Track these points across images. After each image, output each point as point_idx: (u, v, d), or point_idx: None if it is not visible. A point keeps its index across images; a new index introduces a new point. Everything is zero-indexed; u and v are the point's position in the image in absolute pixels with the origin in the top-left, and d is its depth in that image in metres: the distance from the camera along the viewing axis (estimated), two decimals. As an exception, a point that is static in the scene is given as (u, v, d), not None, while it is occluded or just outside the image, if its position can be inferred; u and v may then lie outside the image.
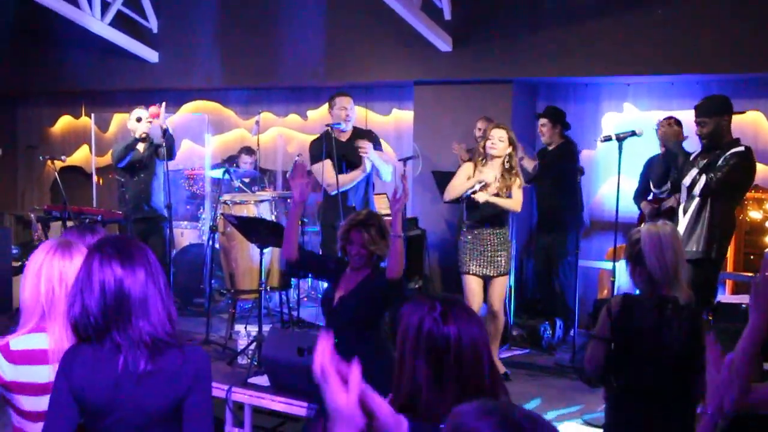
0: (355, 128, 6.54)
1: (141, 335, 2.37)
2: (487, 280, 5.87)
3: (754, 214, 8.62)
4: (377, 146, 6.44)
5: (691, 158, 5.56)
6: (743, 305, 5.80)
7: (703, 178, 5.25)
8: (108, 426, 2.43)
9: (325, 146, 6.25)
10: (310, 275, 5.99)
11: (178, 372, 2.40)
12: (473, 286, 5.87)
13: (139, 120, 7.27)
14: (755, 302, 2.33)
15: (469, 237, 5.89)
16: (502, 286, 5.92)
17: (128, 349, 2.37)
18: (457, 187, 5.88)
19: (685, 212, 5.43)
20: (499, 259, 5.82)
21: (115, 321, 2.38)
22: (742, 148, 5.32)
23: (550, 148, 7.25)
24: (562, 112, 7.33)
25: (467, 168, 5.93)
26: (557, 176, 7.01)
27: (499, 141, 5.77)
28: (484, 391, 2.05)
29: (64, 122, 11.49)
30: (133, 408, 2.39)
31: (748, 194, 7.85)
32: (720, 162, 5.28)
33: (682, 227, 5.37)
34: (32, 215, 7.83)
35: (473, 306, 5.82)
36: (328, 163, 6.29)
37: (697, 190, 5.30)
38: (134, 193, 7.40)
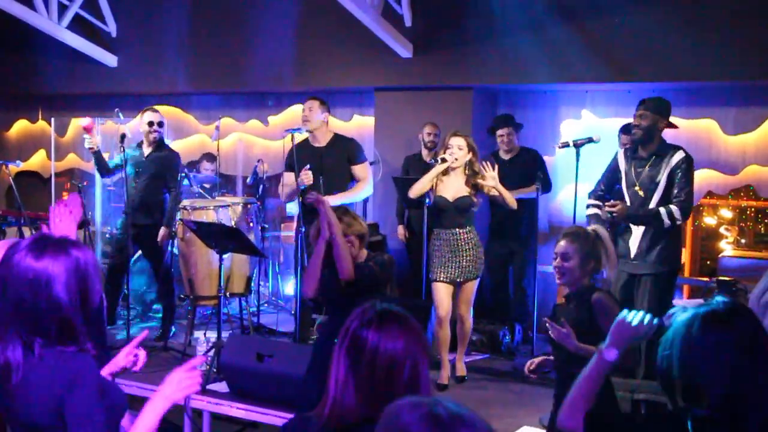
0: (336, 135, 6.50)
1: (16, 332, 2.30)
2: (455, 286, 5.87)
3: (709, 220, 8.78)
4: (360, 156, 6.35)
5: (626, 162, 5.58)
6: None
7: (660, 190, 5.27)
8: (7, 423, 2.38)
9: (295, 156, 6.19)
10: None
11: (53, 379, 2.29)
12: (441, 293, 5.85)
13: (150, 124, 6.99)
14: None
15: (437, 242, 5.91)
16: (470, 291, 5.90)
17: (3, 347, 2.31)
18: (420, 184, 5.87)
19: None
20: (466, 264, 5.80)
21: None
22: (683, 155, 5.33)
23: (508, 156, 7.27)
24: (508, 115, 7.42)
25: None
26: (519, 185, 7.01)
27: (458, 150, 5.80)
28: (384, 399, 2.04)
29: (20, 126, 11.31)
30: (17, 416, 2.33)
31: (703, 200, 8.01)
32: (664, 169, 5.29)
33: (636, 237, 5.41)
34: (-14, 221, 7.70)
35: (440, 313, 5.85)
36: (289, 176, 6.31)
37: (653, 203, 5.32)
38: (131, 198, 7.01)
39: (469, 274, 5.84)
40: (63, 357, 2.31)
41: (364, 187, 6.32)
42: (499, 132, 7.26)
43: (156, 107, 7.27)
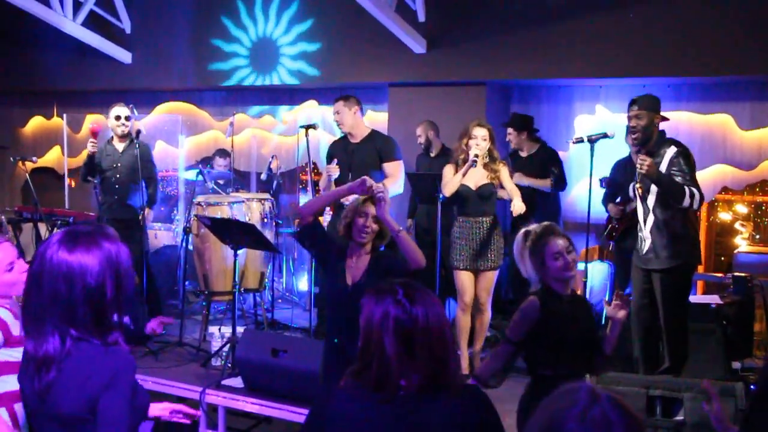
0: (372, 131, 6.48)
1: (53, 325, 2.33)
2: (476, 274, 5.92)
3: (724, 216, 8.73)
4: (392, 155, 6.29)
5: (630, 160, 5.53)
6: (712, 305, 5.89)
7: (655, 188, 5.20)
8: (32, 416, 2.42)
9: (335, 149, 6.42)
10: (312, 251, 5.89)
11: (91, 373, 2.31)
12: (464, 281, 5.91)
13: (117, 118, 7.08)
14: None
15: (459, 231, 5.94)
16: (490, 280, 5.96)
17: (34, 349, 2.35)
18: (453, 180, 5.88)
19: (645, 220, 5.36)
20: (488, 253, 5.88)
21: (32, 309, 2.36)
22: (675, 149, 5.19)
23: (523, 153, 7.30)
24: (526, 118, 7.40)
25: (450, 168, 5.97)
26: (552, 182, 7.03)
27: (482, 140, 5.84)
28: (449, 364, 2.25)
29: (36, 123, 11.38)
30: (45, 412, 2.36)
31: (718, 196, 7.97)
32: (665, 164, 5.22)
33: (648, 231, 5.34)
34: (2, 217, 7.74)
35: (466, 300, 5.91)
36: (329, 167, 6.35)
37: (651, 199, 5.26)
38: (110, 193, 7.20)
39: (492, 264, 5.91)
40: (102, 351, 2.34)
41: (393, 183, 6.19)
42: (508, 130, 7.34)
43: (122, 105, 7.28)
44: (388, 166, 6.26)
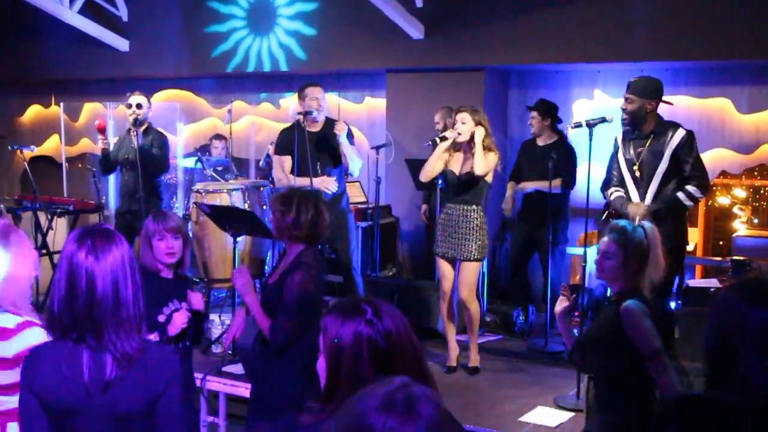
0: (327, 119, 6.53)
1: (110, 339, 2.33)
2: (454, 263, 5.79)
3: (723, 200, 8.74)
4: (350, 138, 6.43)
5: (623, 145, 5.44)
6: (711, 289, 5.91)
7: (660, 172, 5.22)
8: (76, 427, 2.37)
9: (297, 137, 6.25)
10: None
11: (151, 375, 2.36)
12: (443, 267, 5.82)
13: (129, 107, 6.98)
14: None
15: (442, 216, 5.86)
16: (469, 272, 5.70)
17: (95, 352, 2.34)
18: (427, 164, 5.78)
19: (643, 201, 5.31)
20: (467, 243, 5.66)
21: (83, 319, 2.34)
22: (683, 132, 5.21)
23: (540, 142, 7.22)
24: (553, 106, 7.21)
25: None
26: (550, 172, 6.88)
27: (461, 124, 5.66)
28: (426, 376, 2.07)
29: (34, 111, 11.37)
30: (102, 410, 2.35)
31: (716, 180, 7.97)
32: (666, 150, 5.18)
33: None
34: (1, 205, 7.73)
35: (444, 288, 5.82)
36: (287, 159, 6.33)
37: (653, 185, 5.27)
38: (123, 183, 7.09)
39: (469, 255, 5.66)
40: (157, 349, 2.42)
41: (359, 157, 6.48)
42: (531, 114, 7.21)
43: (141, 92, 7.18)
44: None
